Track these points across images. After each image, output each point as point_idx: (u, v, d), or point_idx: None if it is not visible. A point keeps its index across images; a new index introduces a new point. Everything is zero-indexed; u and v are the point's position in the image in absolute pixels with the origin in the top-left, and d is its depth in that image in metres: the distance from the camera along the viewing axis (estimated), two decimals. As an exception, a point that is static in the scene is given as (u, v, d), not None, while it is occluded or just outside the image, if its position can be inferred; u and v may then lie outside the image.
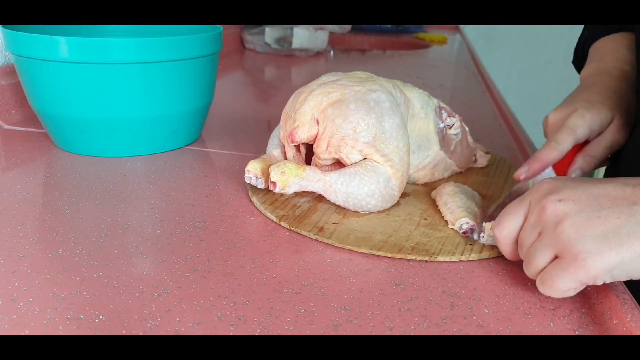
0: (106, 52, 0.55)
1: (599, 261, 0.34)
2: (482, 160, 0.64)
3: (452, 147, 0.58)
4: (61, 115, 0.59)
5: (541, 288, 0.37)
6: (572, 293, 0.36)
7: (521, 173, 0.50)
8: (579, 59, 0.69)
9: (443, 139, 0.58)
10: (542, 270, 0.37)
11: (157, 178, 0.57)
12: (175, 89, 0.61)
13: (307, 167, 0.48)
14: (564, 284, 0.36)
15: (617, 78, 0.57)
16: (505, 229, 0.40)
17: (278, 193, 0.50)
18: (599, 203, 0.36)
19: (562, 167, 0.53)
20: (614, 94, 0.54)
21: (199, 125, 0.69)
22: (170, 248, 0.43)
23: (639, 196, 0.35)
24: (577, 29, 0.74)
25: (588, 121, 0.51)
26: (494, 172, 0.63)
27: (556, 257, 0.36)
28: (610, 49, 0.61)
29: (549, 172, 0.52)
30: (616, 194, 0.36)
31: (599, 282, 0.35)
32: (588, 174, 0.52)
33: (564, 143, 0.51)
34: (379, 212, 0.50)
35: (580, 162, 0.53)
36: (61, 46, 0.55)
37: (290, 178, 0.47)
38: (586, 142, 0.54)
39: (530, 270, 0.38)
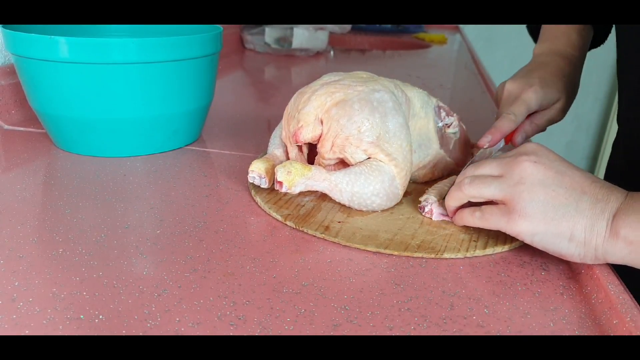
0: (106, 52, 0.55)
1: (529, 224, 0.40)
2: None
3: (450, 146, 0.59)
4: (61, 115, 0.59)
5: (477, 216, 0.43)
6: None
7: (484, 142, 0.57)
8: (533, 28, 0.77)
9: (442, 137, 0.58)
10: (478, 198, 0.43)
11: (157, 178, 0.57)
12: (175, 89, 0.61)
13: (313, 167, 0.48)
14: (495, 225, 0.42)
15: (568, 62, 0.65)
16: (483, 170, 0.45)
17: (281, 192, 0.50)
18: (562, 181, 0.40)
19: (511, 132, 0.60)
20: (564, 77, 0.63)
21: (199, 125, 0.69)
22: (170, 248, 0.43)
23: (592, 191, 0.40)
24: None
25: (541, 97, 0.60)
26: None
27: (502, 202, 0.42)
28: (563, 32, 0.68)
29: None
30: (578, 180, 0.40)
31: (520, 238, 0.41)
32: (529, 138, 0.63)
33: (520, 115, 0.59)
34: (382, 210, 0.50)
35: (526, 128, 0.62)
36: (61, 46, 0.55)
37: (297, 178, 0.47)
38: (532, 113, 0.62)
39: (470, 191, 0.43)
